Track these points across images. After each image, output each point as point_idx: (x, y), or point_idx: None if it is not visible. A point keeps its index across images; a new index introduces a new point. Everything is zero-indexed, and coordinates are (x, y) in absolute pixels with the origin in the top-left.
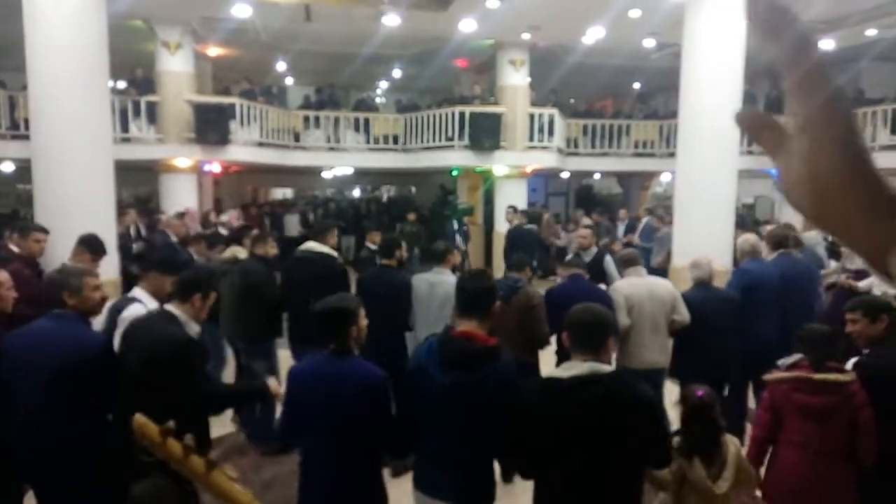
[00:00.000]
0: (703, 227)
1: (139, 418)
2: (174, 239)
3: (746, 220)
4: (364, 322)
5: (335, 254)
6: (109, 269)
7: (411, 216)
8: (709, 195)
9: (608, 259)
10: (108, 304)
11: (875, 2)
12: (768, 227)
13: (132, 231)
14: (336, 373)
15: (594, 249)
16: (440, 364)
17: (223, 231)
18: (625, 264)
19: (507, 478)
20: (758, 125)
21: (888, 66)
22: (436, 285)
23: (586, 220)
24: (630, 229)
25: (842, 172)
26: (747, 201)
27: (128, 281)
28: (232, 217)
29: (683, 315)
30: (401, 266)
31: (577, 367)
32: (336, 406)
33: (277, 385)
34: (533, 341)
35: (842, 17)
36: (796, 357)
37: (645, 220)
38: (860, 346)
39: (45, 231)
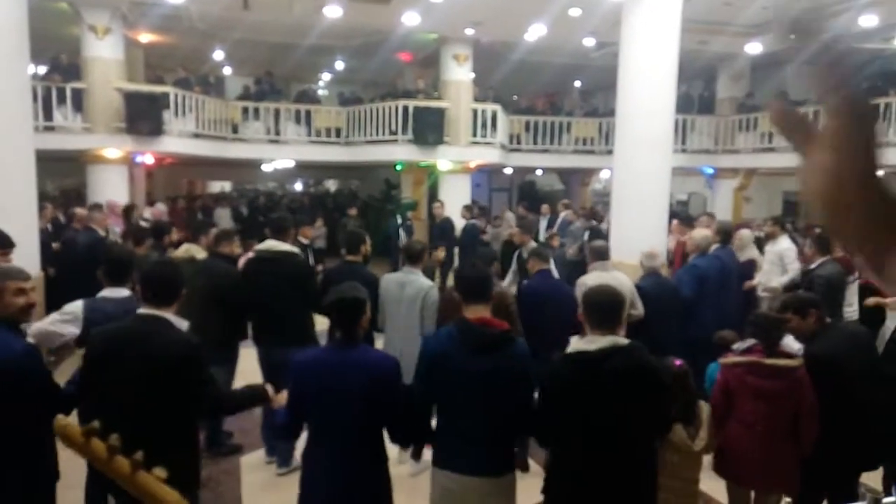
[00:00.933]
0: (638, 223)
1: (61, 419)
2: (102, 234)
3: (680, 215)
4: (368, 314)
5: (298, 251)
6: (31, 268)
7: (353, 211)
8: (644, 192)
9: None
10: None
11: (799, 8)
12: (702, 223)
13: (50, 228)
14: (347, 361)
15: (532, 244)
16: (464, 350)
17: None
18: (593, 257)
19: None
20: (790, 123)
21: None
22: (406, 285)
23: (509, 214)
24: (551, 224)
25: (859, 181)
26: (681, 198)
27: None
28: (155, 212)
29: (639, 309)
30: (366, 262)
31: (599, 341)
32: (348, 395)
33: (274, 391)
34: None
35: (769, 22)
36: (750, 342)
37: (562, 214)
38: (800, 341)
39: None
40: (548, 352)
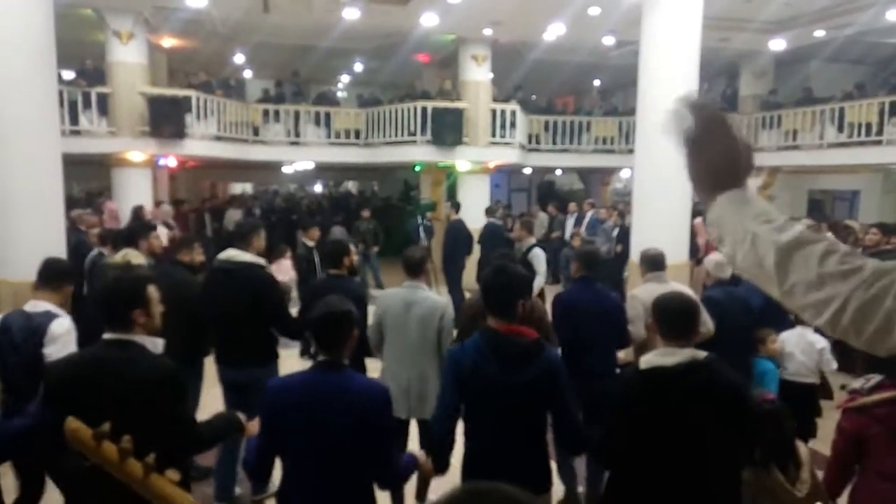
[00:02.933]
0: (660, 222)
1: (72, 421)
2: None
3: (704, 214)
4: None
5: (262, 261)
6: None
7: (366, 213)
8: (666, 190)
9: (536, 253)
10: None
11: (823, 4)
12: None
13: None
14: (330, 387)
15: (531, 241)
16: (493, 362)
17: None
18: (647, 267)
19: None
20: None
21: (836, 66)
22: (414, 304)
23: (542, 215)
24: (578, 222)
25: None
26: None
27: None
28: (156, 213)
29: (708, 325)
30: (353, 273)
31: (676, 354)
32: (330, 426)
33: (249, 421)
34: None
35: (792, 18)
36: (875, 378)
37: (590, 213)
38: None
39: None
40: (589, 370)
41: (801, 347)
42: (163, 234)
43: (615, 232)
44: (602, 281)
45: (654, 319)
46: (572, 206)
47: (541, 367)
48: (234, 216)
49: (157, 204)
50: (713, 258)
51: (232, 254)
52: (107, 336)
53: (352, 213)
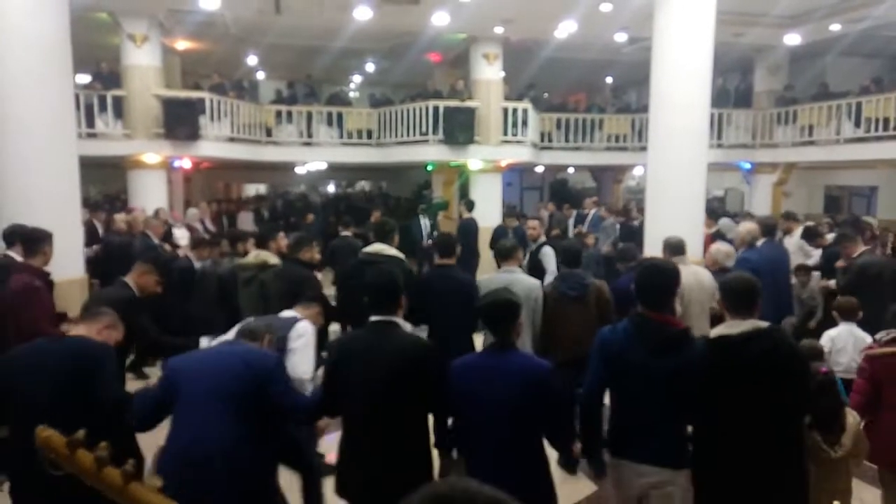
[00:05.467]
0: (673, 220)
1: (43, 430)
2: (156, 241)
3: (717, 211)
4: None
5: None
6: (73, 268)
7: (376, 215)
8: (679, 188)
9: (545, 251)
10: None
11: None
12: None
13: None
14: (502, 366)
15: (542, 239)
16: (642, 346)
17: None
18: (671, 252)
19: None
20: None
21: (852, 60)
22: (514, 284)
23: (544, 212)
24: (580, 220)
25: None
26: (717, 193)
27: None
28: (175, 215)
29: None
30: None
31: (740, 325)
32: (505, 400)
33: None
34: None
35: (807, 12)
36: (894, 332)
37: (592, 211)
38: None
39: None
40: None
41: (852, 343)
42: (184, 237)
43: (617, 228)
44: (606, 279)
45: (722, 297)
46: (587, 202)
47: (687, 357)
48: (246, 218)
49: (187, 205)
50: (723, 248)
51: (379, 247)
52: (374, 318)
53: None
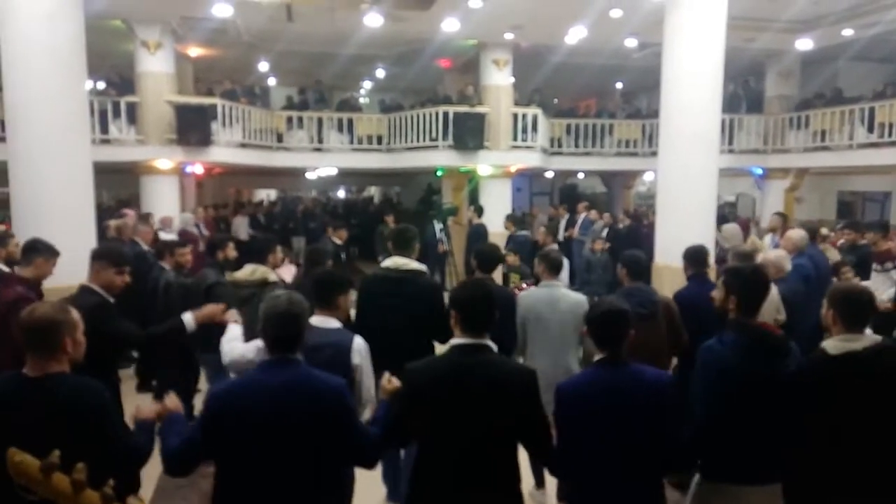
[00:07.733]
0: (684, 225)
1: (15, 453)
2: (145, 247)
3: (728, 217)
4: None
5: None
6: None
7: (389, 218)
8: (690, 193)
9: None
10: None
11: (850, 2)
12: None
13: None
14: (620, 383)
15: (553, 246)
16: (763, 355)
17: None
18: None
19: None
20: None
21: (865, 65)
22: (560, 300)
23: (541, 216)
24: (571, 223)
25: None
26: (729, 199)
27: None
28: (165, 220)
29: (783, 314)
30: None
31: (862, 339)
32: (624, 419)
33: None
34: (676, 346)
35: (819, 17)
36: None
37: (583, 215)
38: None
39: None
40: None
41: None
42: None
43: (604, 233)
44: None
45: (835, 309)
46: (580, 206)
47: (795, 365)
48: (241, 223)
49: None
50: (781, 253)
51: (399, 262)
52: (462, 342)
53: (370, 218)
